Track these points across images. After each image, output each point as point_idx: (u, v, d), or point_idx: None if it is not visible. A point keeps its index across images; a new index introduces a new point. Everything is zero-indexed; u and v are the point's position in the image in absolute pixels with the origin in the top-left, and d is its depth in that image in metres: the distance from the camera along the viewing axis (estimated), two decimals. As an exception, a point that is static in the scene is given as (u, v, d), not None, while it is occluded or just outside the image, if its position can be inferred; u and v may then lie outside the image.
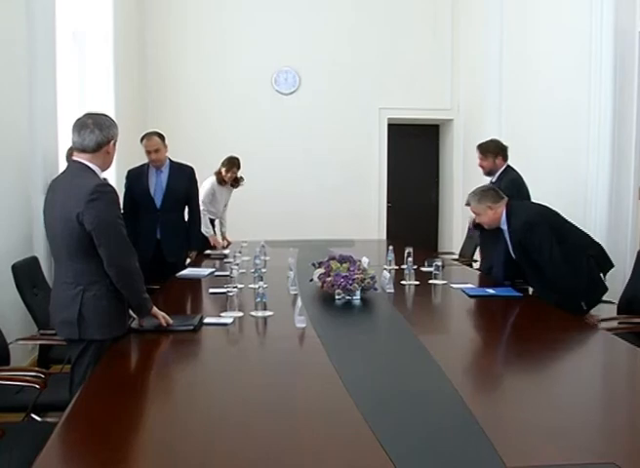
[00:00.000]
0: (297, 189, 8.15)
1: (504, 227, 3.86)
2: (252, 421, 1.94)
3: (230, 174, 6.27)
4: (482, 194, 3.94)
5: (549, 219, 3.78)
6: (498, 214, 3.86)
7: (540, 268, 3.68)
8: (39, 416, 2.75)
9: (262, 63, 8.15)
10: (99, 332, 2.67)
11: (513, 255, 3.87)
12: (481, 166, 4.78)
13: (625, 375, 2.51)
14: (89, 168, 2.67)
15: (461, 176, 8.23)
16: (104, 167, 2.78)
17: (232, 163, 6.30)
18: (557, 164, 5.44)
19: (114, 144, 2.75)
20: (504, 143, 4.76)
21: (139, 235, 4.63)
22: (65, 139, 4.98)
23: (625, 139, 4.60)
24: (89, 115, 2.73)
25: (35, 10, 4.18)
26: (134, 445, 1.88)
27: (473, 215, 4.38)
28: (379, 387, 2.24)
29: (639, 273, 3.77)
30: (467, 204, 4.07)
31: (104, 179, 2.83)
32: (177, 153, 7.90)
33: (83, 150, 2.67)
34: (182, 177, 5.06)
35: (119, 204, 2.78)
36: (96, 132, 2.66)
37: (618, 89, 4.59)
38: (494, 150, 4.69)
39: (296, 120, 8.20)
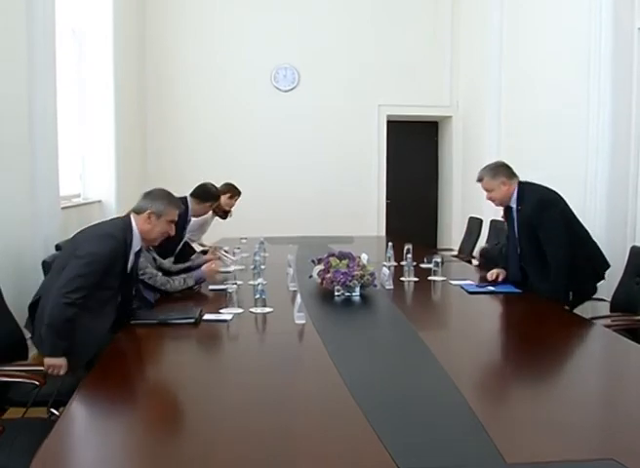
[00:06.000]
0: (295, 185, 8.13)
1: (514, 205, 3.81)
2: (251, 418, 1.95)
3: (233, 201, 5.63)
4: (496, 169, 3.83)
5: (563, 202, 3.76)
6: (511, 191, 3.77)
7: (541, 249, 3.65)
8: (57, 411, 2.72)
9: (262, 60, 8.14)
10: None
11: (516, 235, 3.82)
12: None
13: (624, 371, 2.51)
14: (128, 222, 2.99)
15: (460, 173, 8.23)
16: (144, 235, 3.02)
17: (237, 190, 5.64)
18: (556, 158, 5.44)
19: (152, 217, 2.98)
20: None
21: None
22: (65, 137, 5.01)
23: (624, 126, 4.58)
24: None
25: (35, 7, 4.17)
26: (133, 440, 1.89)
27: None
28: (378, 383, 2.25)
29: (631, 271, 3.78)
30: (479, 180, 3.91)
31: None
32: (175, 151, 7.95)
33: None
34: None
35: (103, 265, 2.82)
36: (143, 197, 3.08)
37: (617, 81, 4.56)
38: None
39: (295, 117, 8.19)
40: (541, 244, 3.67)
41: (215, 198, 4.90)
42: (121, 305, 3.07)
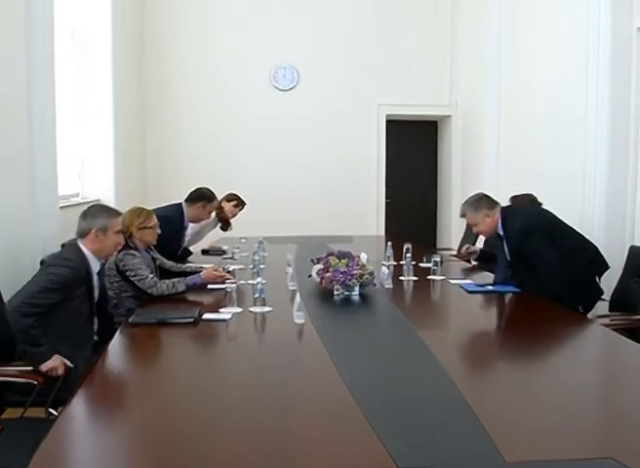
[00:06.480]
0: (295, 185, 8.12)
1: (502, 233, 3.82)
2: (250, 418, 1.94)
3: (237, 210, 5.61)
4: (477, 202, 3.84)
5: (545, 223, 3.75)
6: (495, 221, 3.79)
7: (537, 271, 3.64)
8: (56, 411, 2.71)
9: (261, 60, 8.12)
10: None
11: (508, 257, 3.84)
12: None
13: (624, 370, 2.51)
14: (78, 248, 2.98)
15: (460, 172, 8.22)
16: (97, 254, 3.03)
17: (243, 201, 5.64)
18: (556, 158, 5.44)
19: (99, 235, 2.99)
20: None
21: None
22: (63, 136, 5.00)
23: (623, 125, 4.58)
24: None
25: (34, 8, 4.16)
26: (132, 439, 1.88)
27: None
28: (377, 382, 2.25)
29: (630, 271, 3.78)
30: (462, 215, 3.96)
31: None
32: (174, 150, 7.94)
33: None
34: None
35: (60, 285, 2.81)
36: (81, 219, 3.04)
37: (616, 81, 4.56)
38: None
39: (294, 116, 8.17)
40: (534, 267, 3.66)
41: (206, 198, 4.88)
42: (101, 328, 3.14)
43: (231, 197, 5.60)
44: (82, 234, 3.01)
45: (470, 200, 3.91)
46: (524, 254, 3.68)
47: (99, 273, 3.10)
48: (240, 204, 5.62)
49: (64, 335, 2.82)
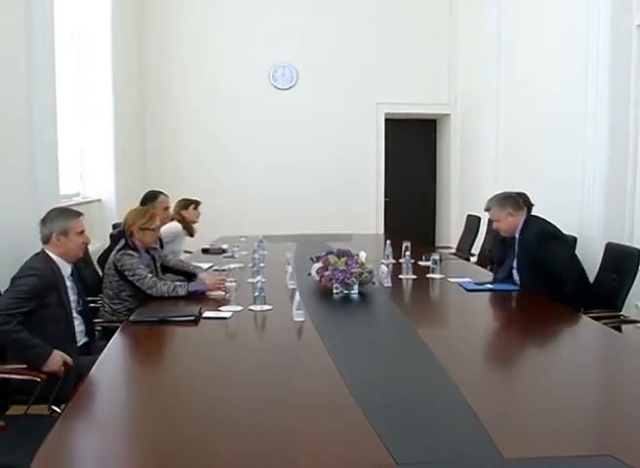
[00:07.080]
0: (294, 184, 8.13)
1: (517, 235, 3.90)
2: (250, 417, 1.96)
3: (198, 211, 5.47)
4: (504, 200, 3.94)
5: (564, 236, 3.87)
6: (517, 222, 3.88)
7: (550, 275, 3.68)
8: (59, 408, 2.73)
9: (260, 59, 8.13)
10: None
11: (515, 265, 3.89)
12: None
13: (623, 368, 2.53)
14: (45, 255, 2.98)
15: (459, 171, 8.23)
16: (64, 257, 3.03)
17: (196, 200, 5.49)
18: (555, 158, 5.45)
19: (60, 239, 3.00)
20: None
21: None
22: (64, 136, 5.01)
23: (622, 124, 4.57)
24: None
25: (34, 9, 4.17)
26: (134, 437, 1.90)
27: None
28: (377, 381, 2.26)
29: (607, 268, 3.80)
30: (487, 209, 4.05)
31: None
32: (174, 150, 7.96)
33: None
34: None
35: (30, 292, 2.78)
36: (41, 225, 3.05)
37: (615, 79, 4.54)
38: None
39: (293, 115, 8.18)
40: (544, 274, 3.70)
41: (149, 198, 4.77)
42: (88, 329, 3.15)
43: (186, 203, 5.40)
44: (45, 240, 3.02)
45: (498, 196, 4.02)
46: (542, 257, 3.72)
47: (72, 274, 3.09)
48: (197, 204, 5.45)
49: (48, 341, 2.74)
